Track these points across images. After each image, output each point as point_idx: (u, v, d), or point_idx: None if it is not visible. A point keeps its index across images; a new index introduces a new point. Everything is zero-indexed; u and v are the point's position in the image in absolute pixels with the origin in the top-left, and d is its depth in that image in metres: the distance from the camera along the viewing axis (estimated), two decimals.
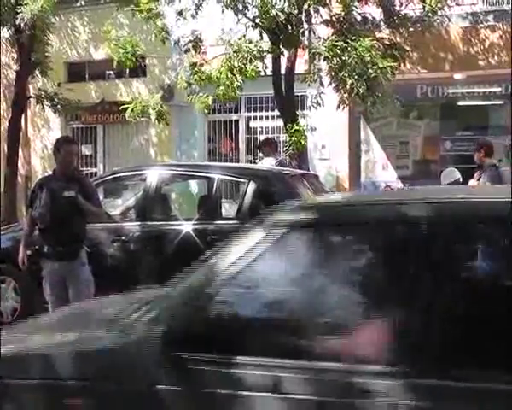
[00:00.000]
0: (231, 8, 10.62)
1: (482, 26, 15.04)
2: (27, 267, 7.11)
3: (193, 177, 9.43)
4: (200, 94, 11.36)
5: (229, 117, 17.04)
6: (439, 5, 11.11)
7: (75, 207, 6.63)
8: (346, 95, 11.03)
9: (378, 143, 16.93)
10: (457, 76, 15.98)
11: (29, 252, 8.43)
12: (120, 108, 12.01)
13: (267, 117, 16.45)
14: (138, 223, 8.33)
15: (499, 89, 16.32)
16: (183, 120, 16.06)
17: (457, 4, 13.11)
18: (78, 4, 18.42)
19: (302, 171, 10.00)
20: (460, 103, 16.64)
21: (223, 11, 10.71)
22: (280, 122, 12.51)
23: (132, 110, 11.51)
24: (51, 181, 6.92)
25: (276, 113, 12.84)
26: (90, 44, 18.31)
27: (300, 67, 11.78)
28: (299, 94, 13.07)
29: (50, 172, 7.61)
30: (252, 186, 7.81)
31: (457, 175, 12.35)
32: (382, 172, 16.99)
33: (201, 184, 9.30)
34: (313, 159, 15.03)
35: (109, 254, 8.28)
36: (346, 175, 15.84)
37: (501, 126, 16.58)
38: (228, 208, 8.39)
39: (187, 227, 7.99)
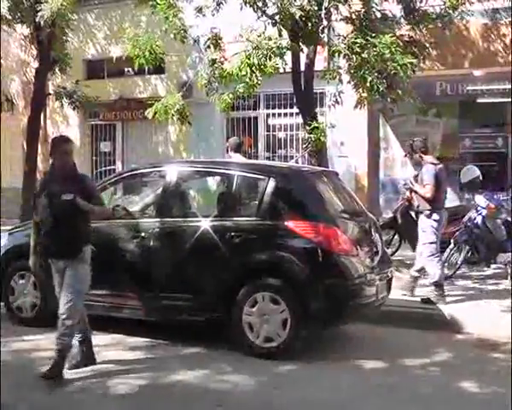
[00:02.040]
0: (250, 6, 10.60)
1: (502, 22, 14.94)
2: (44, 263, 7.19)
3: (212, 173, 9.39)
4: (221, 91, 11.35)
5: (247, 114, 17.08)
6: (459, 1, 11.02)
7: (75, 209, 6.70)
8: (365, 92, 11.00)
9: (397, 140, 16.90)
10: (477, 73, 15.91)
11: None
12: (144, 110, 11.94)
13: (286, 114, 16.48)
14: (157, 219, 8.34)
15: None
16: (201, 117, 16.09)
17: (478, 1, 13.01)
18: (97, 2, 18.53)
19: (322, 168, 9.98)
20: (479, 100, 16.54)
21: (241, 8, 10.69)
22: (299, 119, 12.51)
23: (155, 112, 11.47)
24: (50, 183, 7.00)
25: (295, 110, 12.84)
26: (109, 42, 18.37)
27: (320, 64, 11.79)
28: (319, 91, 13.09)
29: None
30: (271, 183, 7.80)
31: (477, 173, 12.33)
32: (401, 169, 16.94)
33: (220, 180, 9.28)
34: (332, 156, 15.02)
35: (129, 251, 8.29)
36: (364, 172, 15.85)
37: None
38: (247, 205, 8.35)
39: (206, 224, 7.99)
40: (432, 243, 9.83)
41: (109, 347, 7.90)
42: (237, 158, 10.92)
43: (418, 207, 10.16)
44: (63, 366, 6.81)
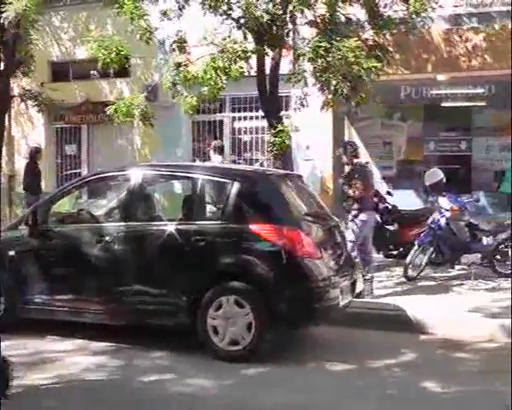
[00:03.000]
0: (214, 10, 10.61)
1: (465, 28, 15.12)
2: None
3: (177, 177, 9.38)
4: (185, 94, 11.34)
5: (213, 117, 17.06)
6: (422, 7, 11.11)
7: None
8: (330, 96, 11.06)
9: (362, 143, 16.98)
10: (440, 77, 16.07)
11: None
12: (106, 109, 11.91)
13: (251, 117, 16.48)
14: (122, 223, 8.31)
15: (482, 90, 16.43)
16: (167, 120, 16.03)
17: (441, 6, 13.14)
18: (63, 4, 18.39)
19: (286, 171, 10.02)
20: (443, 104, 16.70)
21: (204, 14, 10.72)
22: (264, 122, 12.52)
23: (116, 111, 11.47)
24: None
25: (261, 113, 12.85)
26: (74, 44, 18.24)
27: (285, 67, 11.80)
28: (284, 94, 13.11)
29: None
30: (236, 187, 7.83)
31: (441, 175, 12.45)
32: None
33: (185, 184, 9.28)
34: (297, 159, 15.05)
35: (93, 255, 8.25)
36: (330, 175, 15.89)
37: (484, 127, 16.70)
38: (212, 209, 8.36)
39: (170, 228, 7.99)
40: (352, 241, 9.94)
41: (73, 352, 7.87)
42: (217, 160, 10.98)
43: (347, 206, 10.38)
44: None
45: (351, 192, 10.19)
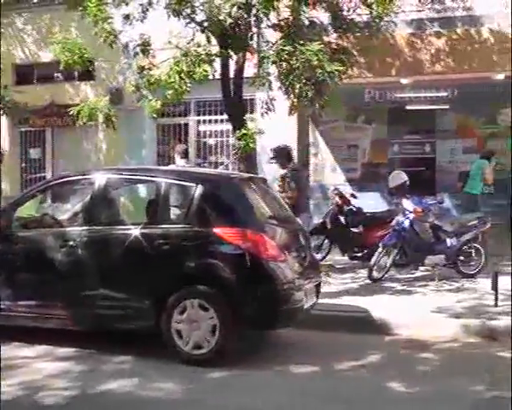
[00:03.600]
0: (178, 13, 10.60)
1: (428, 32, 15.28)
2: None
3: (141, 181, 9.34)
4: (150, 98, 11.32)
5: (178, 121, 17.07)
6: (385, 11, 11.19)
7: None
8: (294, 99, 11.10)
9: (327, 146, 17.11)
10: (404, 81, 16.23)
11: None
12: (69, 111, 11.85)
13: (216, 121, 16.50)
14: (86, 228, 8.26)
15: (445, 93, 16.64)
16: (132, 123, 16.00)
17: (403, 11, 13.28)
18: (26, 6, 18.25)
19: (250, 174, 10.04)
20: (408, 108, 16.87)
21: (169, 17, 10.70)
22: (229, 126, 12.54)
23: (79, 113, 11.41)
24: None
25: (226, 116, 12.86)
26: (38, 46, 18.12)
27: (250, 70, 11.83)
28: (249, 97, 13.14)
29: None
30: (199, 190, 7.82)
31: (405, 177, 12.55)
32: (331, 174, 17.17)
33: (150, 188, 9.25)
34: (262, 162, 15.08)
35: (57, 260, 8.19)
36: None
37: (448, 130, 16.89)
38: (176, 212, 8.34)
39: (135, 232, 7.96)
40: None
41: (38, 358, 7.78)
42: (182, 164, 10.99)
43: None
44: None
45: (284, 196, 10.27)
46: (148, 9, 11.14)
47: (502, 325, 8.80)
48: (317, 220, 14.41)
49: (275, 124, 13.53)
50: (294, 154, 12.50)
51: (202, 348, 7.53)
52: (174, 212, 8.21)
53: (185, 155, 11.44)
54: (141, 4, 11.24)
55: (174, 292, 7.62)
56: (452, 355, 8.09)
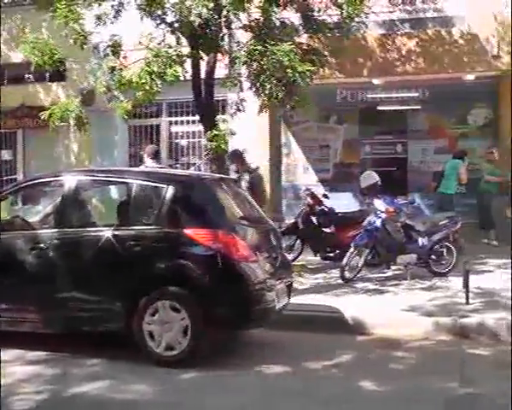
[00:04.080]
0: (149, 14, 10.58)
1: (399, 33, 15.37)
2: None
3: (112, 182, 9.30)
4: (121, 99, 11.29)
5: (150, 122, 17.03)
6: (355, 12, 11.24)
7: None
8: (265, 99, 11.11)
9: (299, 146, 17.15)
10: (376, 81, 16.32)
11: None
12: (41, 114, 11.76)
13: (188, 122, 16.48)
14: (57, 230, 8.20)
15: (417, 94, 16.76)
16: (104, 124, 15.94)
17: (374, 12, 13.34)
18: None
19: (221, 175, 10.03)
20: (379, 108, 16.96)
21: (142, 18, 10.67)
22: (201, 127, 12.52)
23: (51, 115, 11.34)
24: None
25: (197, 117, 12.85)
26: (9, 47, 17.96)
27: (221, 71, 11.83)
28: (220, 98, 13.14)
29: None
30: (170, 191, 7.81)
31: (376, 178, 12.61)
32: (303, 175, 17.23)
33: (121, 189, 9.22)
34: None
35: (27, 263, 8.14)
36: (267, 179, 15.94)
37: (419, 131, 17.01)
38: (147, 214, 8.30)
39: (106, 233, 7.93)
40: None
41: (9, 362, 7.68)
42: (151, 165, 10.95)
43: None
44: None
45: None
46: (119, 10, 11.08)
47: (473, 322, 8.86)
48: (289, 221, 14.47)
49: (246, 125, 13.58)
50: (250, 156, 12.53)
51: (174, 350, 7.52)
52: (145, 213, 8.16)
53: (154, 155, 11.38)
54: (112, 5, 11.20)
55: (146, 294, 7.59)
56: (424, 353, 8.14)
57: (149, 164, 11.14)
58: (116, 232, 7.90)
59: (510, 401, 6.13)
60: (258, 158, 15.84)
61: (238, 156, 11.61)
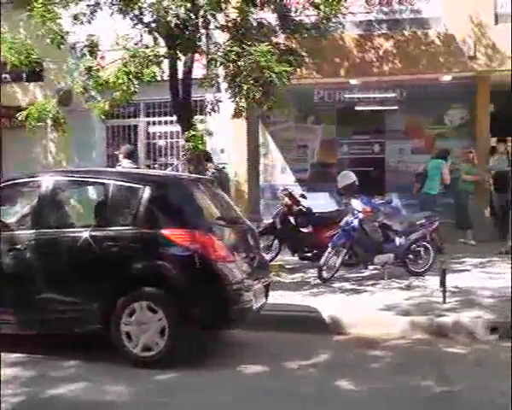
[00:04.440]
0: (126, 14, 10.56)
1: (376, 34, 15.44)
2: None
3: (89, 183, 9.25)
4: (99, 99, 11.27)
5: (128, 122, 16.98)
6: (332, 13, 11.28)
7: None
8: (242, 100, 11.12)
9: (276, 146, 17.18)
10: (353, 82, 16.38)
11: None
12: (17, 114, 11.70)
13: (166, 122, 16.46)
14: (34, 231, 8.16)
15: (394, 94, 16.84)
16: (81, 125, 15.87)
17: (351, 13, 13.39)
18: None
19: (198, 176, 10.03)
20: (356, 108, 17.02)
21: (124, 17, 10.65)
22: (178, 127, 12.51)
23: (28, 115, 11.29)
24: None
25: (175, 118, 12.84)
26: None
27: (199, 72, 11.83)
28: (198, 99, 13.13)
29: None
30: (147, 192, 7.80)
31: (353, 178, 12.65)
32: (281, 175, 17.26)
33: (98, 190, 9.18)
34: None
35: (5, 264, 8.09)
36: (244, 179, 15.99)
37: (396, 131, 17.10)
38: (124, 214, 8.28)
39: (83, 234, 7.91)
40: None
41: None
42: (127, 165, 10.93)
43: None
44: None
45: None
46: (95, 10, 11.05)
47: (450, 321, 8.92)
48: (266, 221, 14.50)
49: (224, 125, 13.59)
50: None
51: (152, 350, 7.52)
52: (122, 214, 8.14)
53: (130, 155, 11.36)
54: (88, 5, 11.16)
55: (123, 294, 7.58)
56: (401, 353, 8.18)
57: (125, 164, 11.12)
58: (93, 233, 7.88)
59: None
60: (235, 158, 15.96)
61: (203, 154, 11.54)
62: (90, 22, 11.16)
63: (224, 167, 12.04)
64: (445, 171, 15.08)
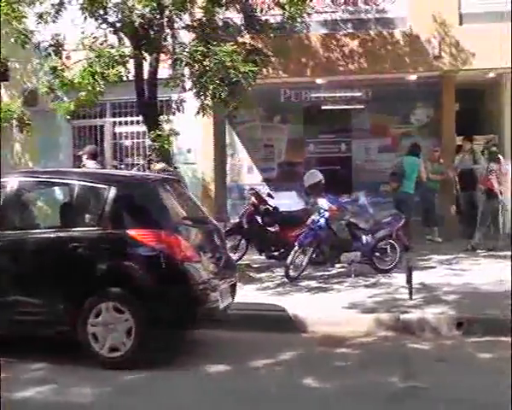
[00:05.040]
0: (91, 14, 10.52)
1: (342, 33, 15.51)
2: None
3: (54, 183, 9.19)
4: (65, 99, 11.22)
5: (94, 122, 16.87)
6: (298, 12, 11.32)
7: None
8: (208, 100, 11.13)
9: (243, 146, 17.19)
10: (319, 81, 16.42)
11: None
12: None
13: (132, 122, 16.39)
14: None
15: (360, 94, 16.92)
16: (48, 125, 15.75)
17: (317, 12, 13.44)
18: None
19: (164, 176, 10.03)
20: (323, 107, 17.08)
21: (85, 18, 10.61)
22: (145, 127, 12.47)
23: None
24: None
25: (141, 118, 12.81)
26: None
27: (165, 72, 11.81)
28: (165, 99, 13.10)
29: None
30: (113, 192, 7.78)
31: (320, 176, 12.71)
32: (248, 174, 17.27)
33: (63, 190, 9.14)
34: (179, 163, 15.07)
35: None
36: (211, 179, 15.98)
37: (363, 130, 17.18)
38: (90, 215, 8.24)
39: (49, 235, 7.88)
40: None
41: None
42: (91, 166, 10.88)
43: None
44: None
45: None
46: (60, 9, 10.99)
47: (415, 318, 9.00)
48: (233, 221, 14.52)
49: (191, 125, 13.57)
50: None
51: (119, 351, 7.50)
52: (88, 215, 8.11)
53: (94, 156, 11.32)
54: (53, 4, 11.10)
55: (89, 295, 7.55)
56: (367, 350, 8.23)
57: (90, 165, 11.07)
58: (59, 234, 7.86)
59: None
60: (202, 158, 15.95)
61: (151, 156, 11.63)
62: (54, 21, 11.10)
63: (176, 167, 12.00)
64: (422, 169, 15.18)
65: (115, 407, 6.46)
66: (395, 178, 15.08)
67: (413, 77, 16.25)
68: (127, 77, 10.99)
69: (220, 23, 11.37)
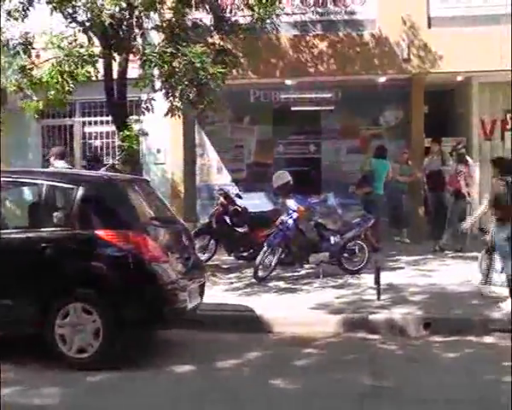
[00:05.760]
0: (60, 12, 10.47)
1: (311, 35, 15.55)
2: None
3: (22, 183, 9.12)
4: (34, 98, 11.15)
5: (63, 122, 16.79)
6: (267, 13, 11.35)
7: None
8: (176, 101, 11.11)
9: (213, 147, 17.20)
10: (289, 82, 16.46)
11: None
12: None
13: (102, 122, 16.33)
14: None
15: (329, 95, 16.98)
16: (16, 125, 15.63)
17: (286, 14, 13.48)
18: None
19: (132, 176, 10.00)
20: (292, 108, 17.13)
21: (51, 13, 10.54)
22: (114, 127, 12.43)
23: None
24: None
25: (111, 118, 12.76)
26: None
27: (135, 71, 11.78)
28: (134, 99, 13.06)
29: None
30: (80, 192, 7.75)
31: (288, 177, 12.75)
32: (217, 175, 17.28)
33: (31, 190, 9.08)
34: (149, 163, 15.06)
35: None
36: (181, 179, 15.95)
37: (332, 131, 17.26)
38: (57, 215, 8.19)
39: (17, 236, 7.83)
40: None
41: None
42: (60, 166, 10.82)
43: None
44: None
45: None
46: (28, 8, 10.92)
47: (383, 318, 9.08)
48: (203, 221, 14.51)
49: (160, 125, 13.55)
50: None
51: (86, 352, 7.48)
52: (55, 215, 8.06)
53: (62, 156, 11.26)
54: (22, 2, 11.03)
55: (57, 296, 7.53)
56: (335, 350, 8.28)
57: (57, 164, 11.00)
58: (26, 234, 7.82)
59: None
60: (172, 158, 15.92)
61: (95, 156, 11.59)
62: (23, 20, 11.02)
63: (113, 164, 11.99)
64: (391, 170, 15.33)
65: (83, 408, 6.43)
66: (365, 183, 15.13)
67: (382, 79, 16.35)
68: (96, 77, 10.95)
69: (189, 24, 11.35)
